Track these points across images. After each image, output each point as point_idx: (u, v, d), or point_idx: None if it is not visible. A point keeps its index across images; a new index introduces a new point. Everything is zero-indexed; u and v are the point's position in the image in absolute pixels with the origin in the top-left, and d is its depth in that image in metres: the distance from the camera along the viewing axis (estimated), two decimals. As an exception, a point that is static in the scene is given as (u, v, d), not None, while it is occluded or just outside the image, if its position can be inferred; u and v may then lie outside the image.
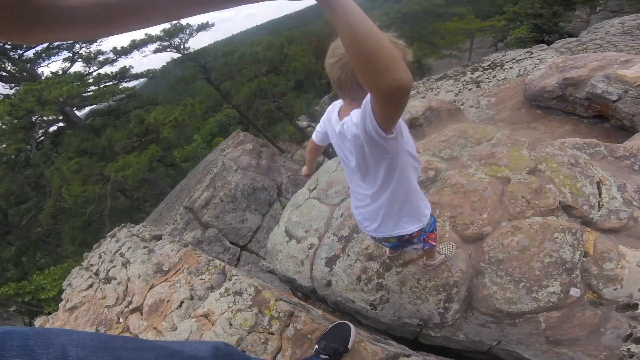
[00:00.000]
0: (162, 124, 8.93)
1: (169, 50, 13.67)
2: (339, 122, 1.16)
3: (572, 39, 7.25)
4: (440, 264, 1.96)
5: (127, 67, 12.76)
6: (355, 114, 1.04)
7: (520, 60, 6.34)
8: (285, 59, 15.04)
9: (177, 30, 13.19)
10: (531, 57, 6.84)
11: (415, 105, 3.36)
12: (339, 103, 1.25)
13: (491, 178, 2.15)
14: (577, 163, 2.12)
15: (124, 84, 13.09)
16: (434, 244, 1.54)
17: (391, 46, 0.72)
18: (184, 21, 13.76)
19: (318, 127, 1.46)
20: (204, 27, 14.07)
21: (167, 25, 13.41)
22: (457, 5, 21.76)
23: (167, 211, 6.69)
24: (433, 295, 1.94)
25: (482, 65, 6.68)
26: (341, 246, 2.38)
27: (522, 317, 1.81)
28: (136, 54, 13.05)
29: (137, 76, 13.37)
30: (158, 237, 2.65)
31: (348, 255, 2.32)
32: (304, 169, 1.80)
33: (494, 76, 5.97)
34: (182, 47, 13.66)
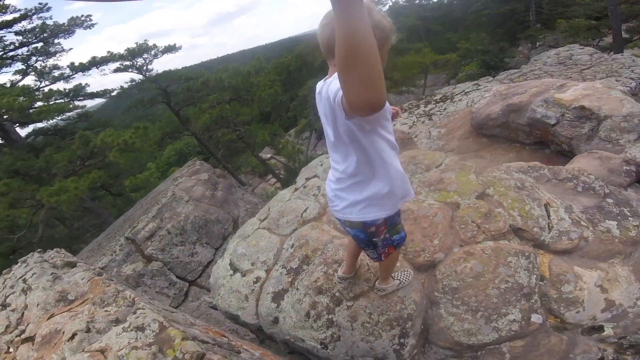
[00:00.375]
0: (110, 147, 8.22)
1: (130, 70, 12.94)
2: (323, 83, 1.15)
3: (514, 70, 7.97)
4: (394, 290, 1.80)
5: (83, 84, 11.78)
6: (336, 79, 0.97)
7: (468, 92, 6.78)
8: (251, 88, 14.66)
9: (142, 50, 12.59)
10: (478, 89, 7.35)
11: (368, 135, 3.35)
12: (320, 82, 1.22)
13: (441, 204, 2.12)
14: (524, 186, 2.14)
15: (78, 103, 12.12)
16: (384, 259, 1.46)
17: (380, 65, 0.71)
18: (150, 42, 13.34)
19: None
20: (170, 49, 13.52)
21: (131, 44, 12.92)
22: (416, 42, 23.65)
23: (107, 242, 6.14)
24: (386, 331, 1.76)
25: (435, 98, 7.06)
26: (290, 279, 2.17)
27: (484, 349, 1.68)
28: (95, 71, 12.11)
29: (92, 95, 12.39)
30: (72, 264, 2.29)
31: (297, 289, 2.10)
32: None
33: (445, 108, 6.29)
34: (144, 68, 13.00)
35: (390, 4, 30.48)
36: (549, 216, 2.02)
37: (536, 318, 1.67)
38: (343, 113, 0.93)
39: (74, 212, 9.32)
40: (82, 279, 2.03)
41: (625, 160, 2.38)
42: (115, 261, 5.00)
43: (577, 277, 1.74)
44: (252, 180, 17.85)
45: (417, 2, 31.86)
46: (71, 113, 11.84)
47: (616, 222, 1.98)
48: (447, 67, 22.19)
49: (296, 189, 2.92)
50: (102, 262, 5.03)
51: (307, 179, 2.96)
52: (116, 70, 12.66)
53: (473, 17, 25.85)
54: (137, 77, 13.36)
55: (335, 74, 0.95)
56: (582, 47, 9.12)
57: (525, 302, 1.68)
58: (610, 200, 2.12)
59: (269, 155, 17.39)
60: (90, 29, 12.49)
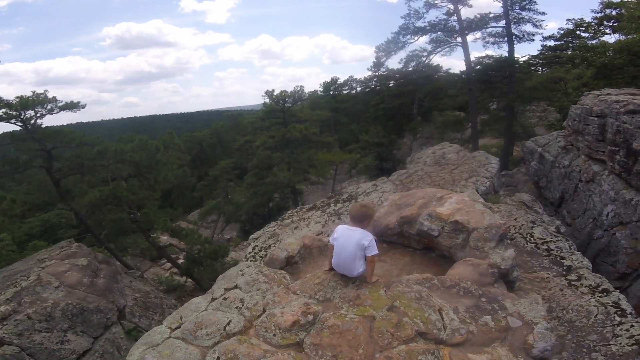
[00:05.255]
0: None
1: (13, 121, 10.65)
2: (351, 229, 2.86)
3: (403, 170, 9.61)
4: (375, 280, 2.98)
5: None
6: (360, 232, 2.82)
7: (369, 193, 7.89)
8: (156, 166, 12.78)
9: (36, 103, 10.67)
10: (377, 190, 8.56)
11: (291, 244, 3.74)
12: (342, 225, 3.00)
13: (360, 317, 2.51)
14: (421, 297, 2.67)
15: None
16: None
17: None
18: (51, 89, 11.27)
19: (331, 239, 2.96)
20: (71, 106, 11.70)
21: (28, 92, 10.64)
22: (327, 133, 26.64)
23: None
24: None
25: (342, 197, 7.97)
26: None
27: None
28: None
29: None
30: None
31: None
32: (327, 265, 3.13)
33: (351, 209, 7.13)
34: (33, 122, 10.81)
35: (311, 92, 35.03)
36: (442, 319, 2.53)
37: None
38: (363, 252, 2.76)
39: None
40: None
41: (490, 265, 3.14)
42: (-59, 339, 4.15)
43: (470, 362, 2.18)
44: (142, 263, 15.36)
45: (331, 92, 37.32)
46: None
47: (490, 316, 2.62)
48: (351, 162, 25.67)
49: (214, 299, 2.89)
50: None
51: (227, 290, 2.99)
52: (-5, 119, 10.28)
53: (372, 110, 30.19)
54: (18, 128, 10.81)
55: (359, 228, 2.84)
56: (451, 144, 11.63)
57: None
58: (484, 299, 2.77)
59: (165, 238, 15.47)
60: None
